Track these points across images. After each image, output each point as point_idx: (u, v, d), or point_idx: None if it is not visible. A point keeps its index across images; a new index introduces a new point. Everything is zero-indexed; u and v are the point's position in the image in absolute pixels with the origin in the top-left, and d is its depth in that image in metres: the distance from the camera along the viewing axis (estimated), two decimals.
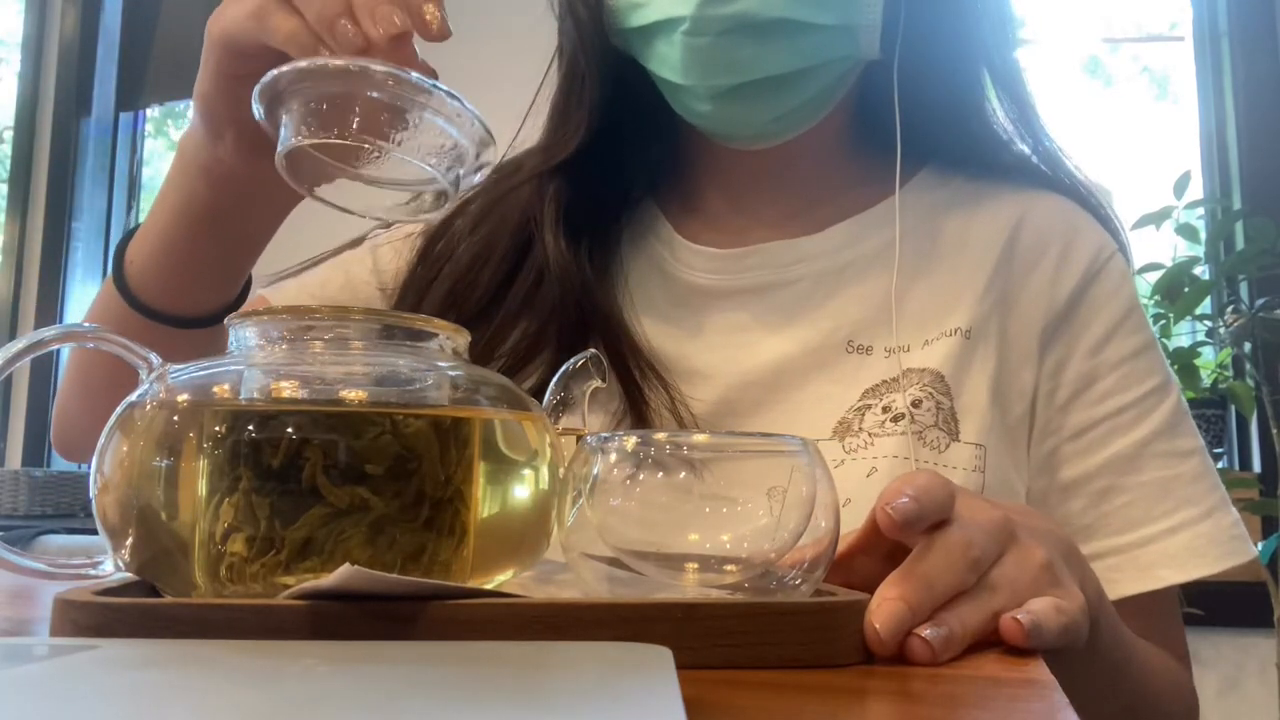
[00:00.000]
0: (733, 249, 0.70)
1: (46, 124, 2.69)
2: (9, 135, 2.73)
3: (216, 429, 0.36)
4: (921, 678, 0.35)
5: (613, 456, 0.39)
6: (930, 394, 0.63)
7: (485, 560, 0.39)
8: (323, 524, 0.35)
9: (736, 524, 0.38)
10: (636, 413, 0.64)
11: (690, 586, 0.38)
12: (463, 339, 0.43)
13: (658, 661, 0.27)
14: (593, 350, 0.47)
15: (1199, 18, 2.06)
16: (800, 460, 0.39)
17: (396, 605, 0.33)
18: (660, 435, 0.40)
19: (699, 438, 0.40)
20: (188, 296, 0.63)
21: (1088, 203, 0.71)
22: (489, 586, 0.40)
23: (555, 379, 0.46)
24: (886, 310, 0.66)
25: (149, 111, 2.82)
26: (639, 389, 0.64)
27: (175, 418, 0.38)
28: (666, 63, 0.64)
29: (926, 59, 0.67)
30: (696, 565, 0.38)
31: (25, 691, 0.23)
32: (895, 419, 0.63)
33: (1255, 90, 1.94)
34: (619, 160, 0.73)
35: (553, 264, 0.69)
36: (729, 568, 0.38)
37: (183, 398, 0.38)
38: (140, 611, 0.34)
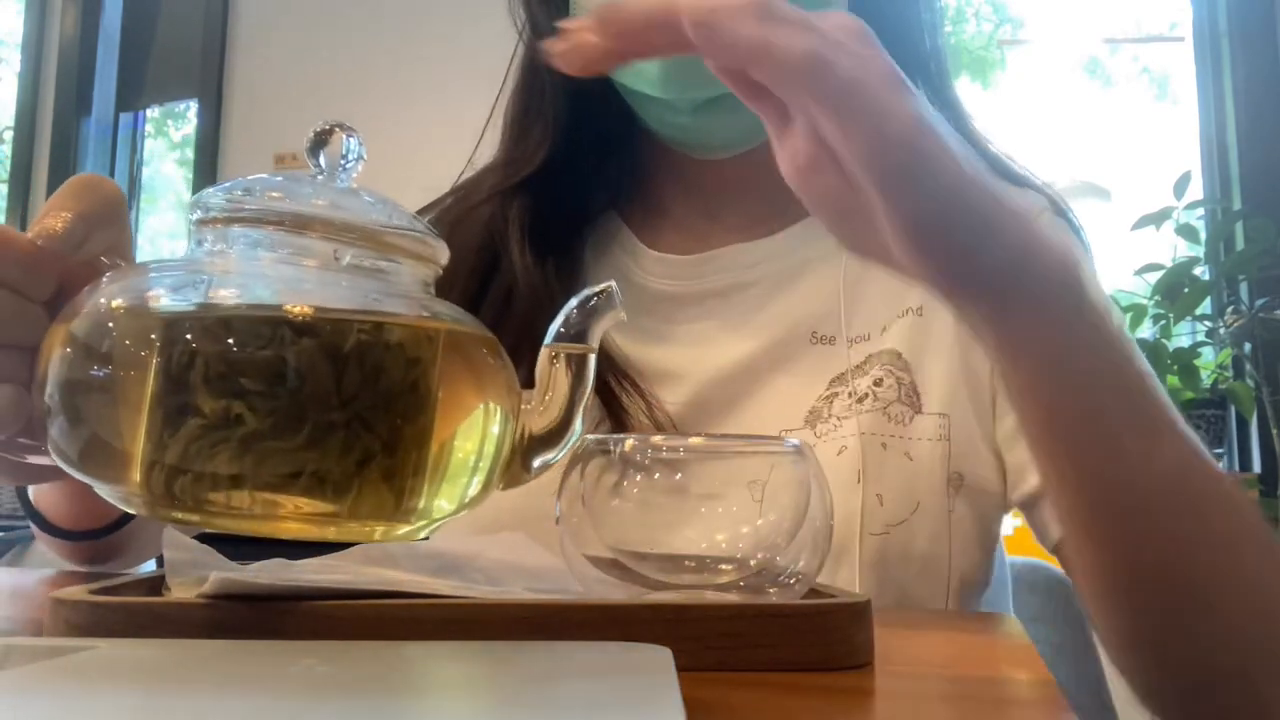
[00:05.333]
0: (694, 255, 0.72)
1: (46, 124, 2.69)
2: (9, 135, 2.74)
3: (117, 334, 0.35)
4: (923, 678, 0.35)
5: (611, 459, 0.39)
6: (890, 371, 0.65)
7: (404, 489, 0.36)
8: (198, 436, 0.34)
9: (732, 524, 0.38)
10: (615, 419, 0.65)
11: (687, 587, 0.38)
12: (430, 269, 0.41)
13: (658, 661, 0.27)
14: (611, 282, 0.44)
15: (1199, 18, 2.07)
16: (794, 460, 0.39)
17: (393, 606, 0.33)
18: (657, 438, 0.40)
19: (694, 440, 0.40)
20: (79, 517, 0.62)
21: (1022, 181, 0.73)
22: (414, 525, 0.38)
23: (566, 309, 0.43)
24: (845, 300, 0.68)
25: (149, 111, 2.83)
26: (615, 397, 0.65)
27: (89, 323, 0.37)
28: (643, 77, 0.65)
29: None
30: (694, 565, 0.38)
31: (24, 692, 0.23)
32: (860, 399, 0.64)
33: (1255, 90, 1.94)
34: (580, 174, 0.74)
35: (521, 282, 0.70)
36: (725, 567, 0.38)
37: (97, 304, 0.37)
38: (133, 611, 0.34)
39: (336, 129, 0.41)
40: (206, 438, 0.34)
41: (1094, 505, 0.45)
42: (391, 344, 0.36)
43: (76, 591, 0.35)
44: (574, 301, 0.42)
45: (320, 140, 0.40)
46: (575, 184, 0.74)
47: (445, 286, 0.72)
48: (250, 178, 0.39)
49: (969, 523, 0.63)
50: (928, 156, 0.39)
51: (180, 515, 0.36)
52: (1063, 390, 0.43)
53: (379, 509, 0.36)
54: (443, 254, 0.41)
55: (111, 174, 2.72)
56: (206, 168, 2.51)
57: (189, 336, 0.34)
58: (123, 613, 0.34)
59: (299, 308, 0.35)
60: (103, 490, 0.38)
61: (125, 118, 2.76)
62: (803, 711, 0.30)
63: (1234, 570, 0.47)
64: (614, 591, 0.39)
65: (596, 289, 0.43)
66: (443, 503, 0.39)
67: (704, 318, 0.70)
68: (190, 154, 2.64)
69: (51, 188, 2.63)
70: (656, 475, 0.38)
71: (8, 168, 2.74)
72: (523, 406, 0.42)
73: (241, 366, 0.34)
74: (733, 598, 0.37)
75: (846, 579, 0.59)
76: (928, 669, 0.37)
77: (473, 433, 0.39)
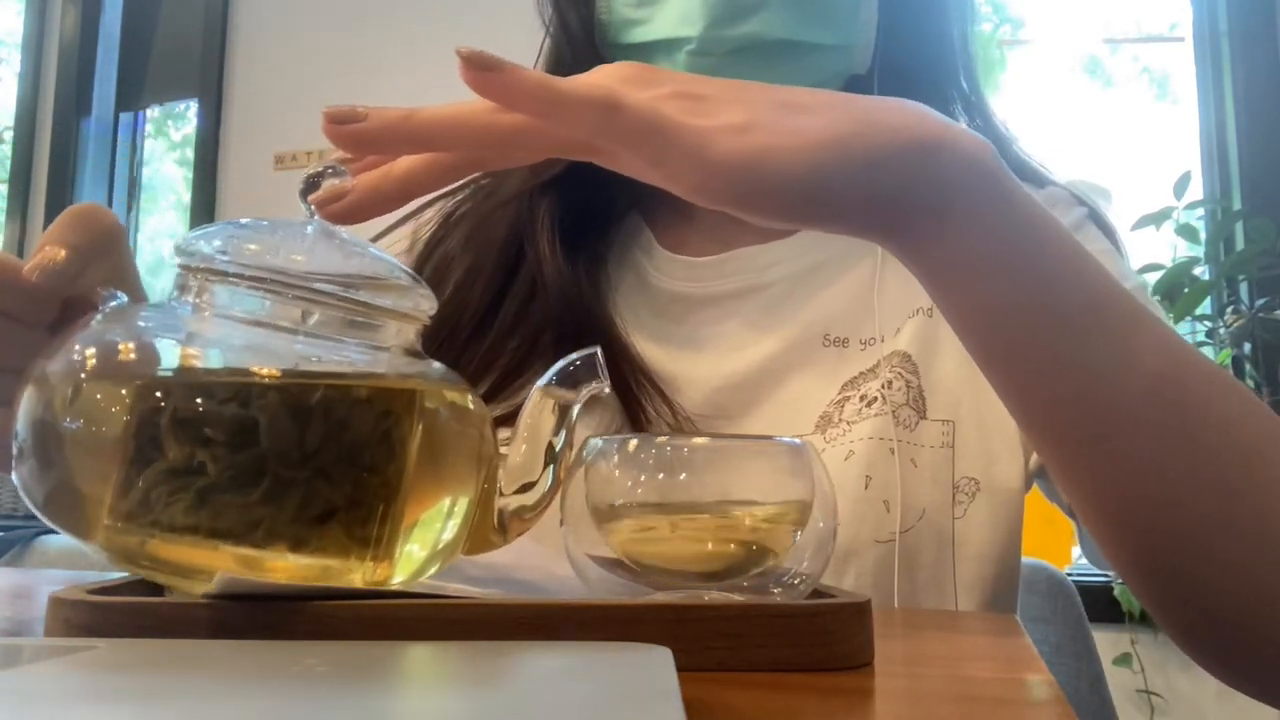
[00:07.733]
0: (709, 257, 0.71)
1: (46, 124, 2.69)
2: (9, 135, 2.74)
3: (85, 387, 0.36)
4: (923, 678, 0.35)
5: (614, 458, 0.39)
6: (900, 374, 0.65)
7: (356, 555, 0.36)
8: (159, 481, 0.34)
9: (735, 524, 0.38)
10: (635, 424, 0.64)
11: (689, 587, 0.38)
12: (412, 325, 0.39)
13: (658, 661, 0.27)
14: (597, 349, 0.42)
15: (1199, 18, 2.07)
16: (797, 461, 0.39)
17: (393, 606, 0.33)
18: (661, 438, 0.40)
19: (699, 440, 0.40)
20: None
21: (1045, 182, 0.73)
22: (384, 574, 0.37)
23: (548, 374, 0.41)
24: (858, 303, 0.67)
25: (149, 111, 2.83)
26: (637, 401, 0.65)
27: (59, 373, 0.36)
28: (675, 13, 0.63)
29: (902, 76, 0.68)
30: (696, 566, 0.38)
31: (24, 692, 0.23)
32: (870, 403, 0.63)
33: (1255, 90, 1.94)
34: (605, 176, 0.73)
35: (550, 280, 0.69)
36: (728, 568, 0.38)
37: (70, 353, 0.37)
38: (133, 611, 0.34)
39: (329, 172, 0.41)
40: (167, 485, 0.34)
41: (1076, 428, 0.41)
42: (349, 405, 0.36)
43: (76, 591, 0.35)
44: (556, 367, 0.41)
45: (312, 184, 0.41)
46: (600, 186, 0.73)
47: (470, 284, 0.72)
48: (239, 222, 0.39)
49: (986, 529, 0.61)
50: (762, 160, 0.38)
51: (137, 565, 0.36)
52: (1012, 294, 0.40)
53: (329, 572, 0.36)
54: (427, 306, 0.40)
55: (111, 174, 2.72)
56: (206, 168, 2.51)
57: (156, 397, 0.35)
58: (123, 613, 0.34)
59: (262, 370, 0.36)
60: (68, 533, 0.38)
61: (125, 118, 2.76)
62: (803, 711, 0.30)
63: (1256, 483, 0.41)
64: (617, 591, 0.39)
65: (578, 355, 0.41)
66: (399, 575, 0.38)
67: (719, 320, 0.70)
68: (190, 154, 2.63)
69: (52, 188, 2.64)
70: (660, 475, 0.38)
71: (8, 168, 2.74)
72: (499, 458, 0.40)
73: (207, 420, 0.34)
74: (734, 598, 0.37)
75: (852, 586, 0.59)
76: (928, 669, 0.37)
77: (440, 499, 0.38)
